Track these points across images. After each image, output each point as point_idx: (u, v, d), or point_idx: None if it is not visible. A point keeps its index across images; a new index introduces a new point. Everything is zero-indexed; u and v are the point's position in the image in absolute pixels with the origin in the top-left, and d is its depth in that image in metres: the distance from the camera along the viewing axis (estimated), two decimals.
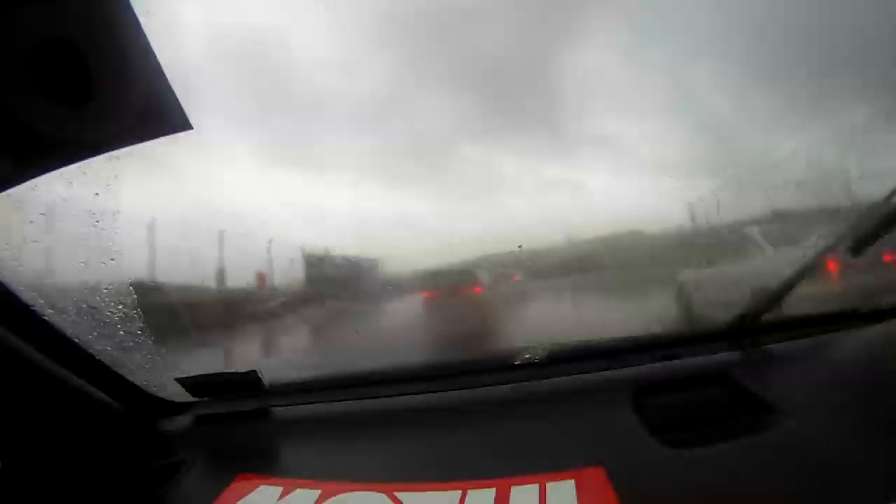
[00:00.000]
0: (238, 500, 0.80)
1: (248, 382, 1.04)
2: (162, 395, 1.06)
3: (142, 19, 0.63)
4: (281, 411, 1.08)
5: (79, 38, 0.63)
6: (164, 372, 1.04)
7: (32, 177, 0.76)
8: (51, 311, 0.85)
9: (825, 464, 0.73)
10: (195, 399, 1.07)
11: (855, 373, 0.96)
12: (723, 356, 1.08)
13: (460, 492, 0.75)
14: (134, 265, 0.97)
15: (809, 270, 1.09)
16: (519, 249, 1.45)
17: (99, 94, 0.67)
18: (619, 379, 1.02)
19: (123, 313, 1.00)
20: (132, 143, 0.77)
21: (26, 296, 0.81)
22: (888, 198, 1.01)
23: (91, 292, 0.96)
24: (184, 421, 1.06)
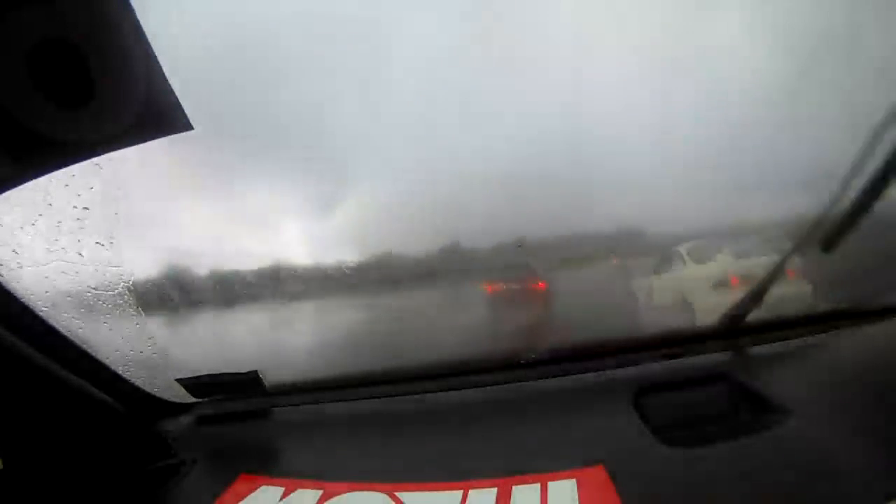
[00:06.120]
0: (239, 501, 0.79)
1: (248, 383, 1.04)
2: (162, 395, 1.05)
3: (142, 19, 0.63)
4: (282, 412, 1.08)
5: (79, 38, 0.62)
6: (164, 372, 1.04)
7: (32, 177, 0.75)
8: (50, 311, 0.85)
9: (825, 463, 0.73)
10: (196, 399, 1.07)
11: (854, 372, 0.96)
12: (723, 355, 1.08)
13: (462, 491, 0.76)
14: (134, 265, 0.97)
15: (782, 269, 1.09)
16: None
17: (99, 94, 0.67)
18: (620, 378, 1.03)
19: (123, 313, 1.00)
20: (132, 143, 0.76)
21: (26, 296, 0.81)
22: (857, 193, 1.00)
23: (91, 292, 0.96)
24: (184, 421, 1.06)
